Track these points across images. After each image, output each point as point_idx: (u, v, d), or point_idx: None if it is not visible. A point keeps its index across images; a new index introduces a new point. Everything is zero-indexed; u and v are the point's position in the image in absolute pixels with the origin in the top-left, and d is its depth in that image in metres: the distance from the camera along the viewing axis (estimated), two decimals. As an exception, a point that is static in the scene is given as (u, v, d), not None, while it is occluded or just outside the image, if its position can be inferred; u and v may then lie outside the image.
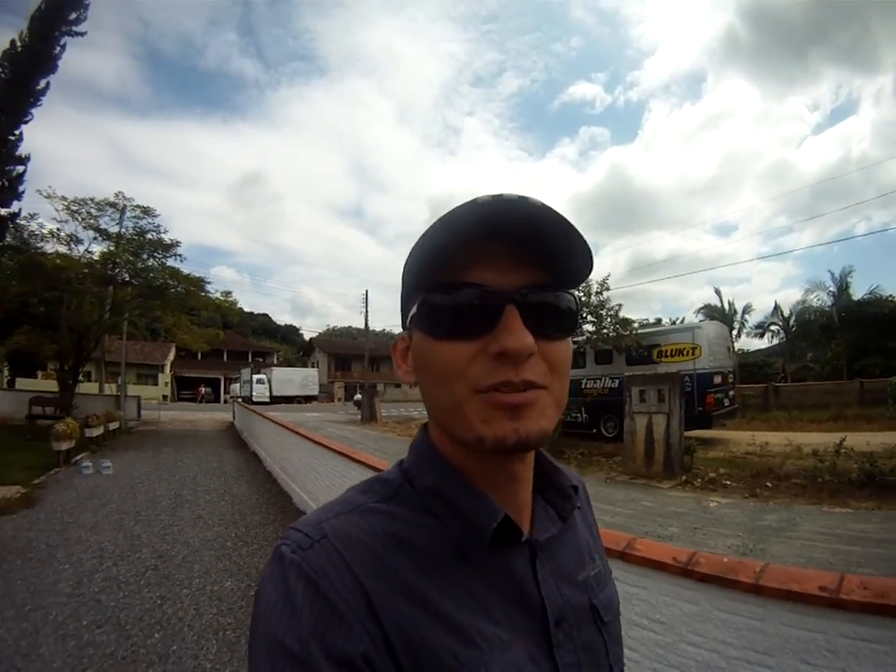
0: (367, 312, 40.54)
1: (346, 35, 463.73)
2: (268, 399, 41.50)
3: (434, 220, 0.57)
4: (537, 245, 0.57)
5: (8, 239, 12.44)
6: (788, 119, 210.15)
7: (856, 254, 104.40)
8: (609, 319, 14.88)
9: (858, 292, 35.39)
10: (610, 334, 14.66)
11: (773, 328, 42.31)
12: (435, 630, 0.53)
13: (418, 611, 0.54)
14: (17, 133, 10.77)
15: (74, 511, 7.99)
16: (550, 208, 0.55)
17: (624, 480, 10.33)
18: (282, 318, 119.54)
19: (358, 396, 32.38)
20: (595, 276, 15.25)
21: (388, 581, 0.54)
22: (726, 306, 41.81)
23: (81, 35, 12.23)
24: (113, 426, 17.75)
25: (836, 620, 1.76)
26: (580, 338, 15.27)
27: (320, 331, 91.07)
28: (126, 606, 4.71)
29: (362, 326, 44.88)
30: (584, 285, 14.62)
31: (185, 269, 22.30)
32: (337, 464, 6.50)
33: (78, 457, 12.63)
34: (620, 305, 15.14)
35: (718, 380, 14.12)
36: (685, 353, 14.18)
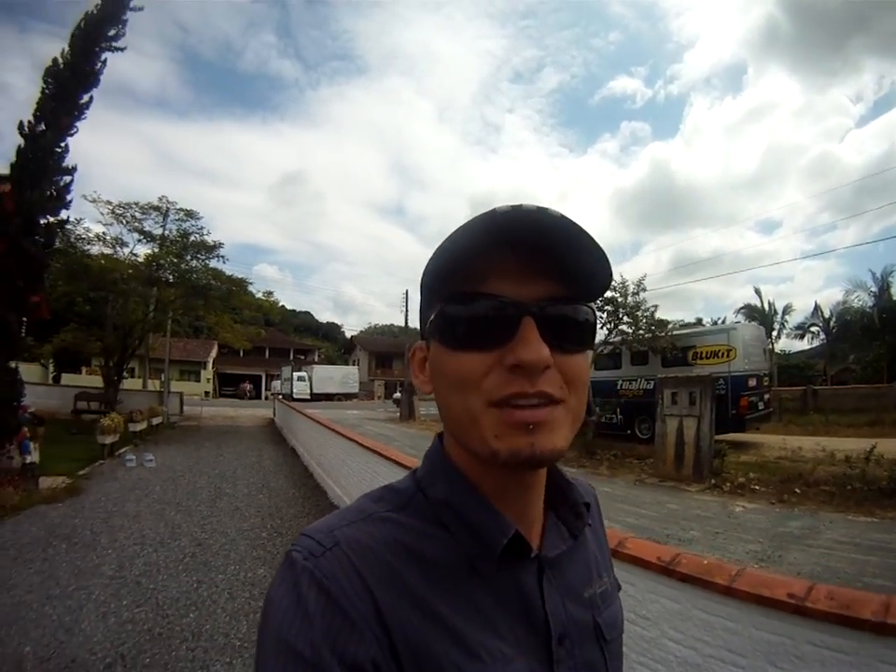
0: (407, 311, 41.05)
1: (384, 34, 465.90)
2: (308, 397, 41.79)
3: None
4: (555, 256, 0.57)
5: (56, 243, 13.00)
6: (830, 112, 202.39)
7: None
8: (644, 320, 14.84)
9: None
10: (646, 335, 14.60)
11: (813, 329, 41.42)
12: (441, 641, 0.54)
13: (426, 622, 0.55)
14: (63, 145, 11.19)
15: (117, 500, 8.40)
16: (568, 219, 0.56)
17: (654, 482, 10.32)
18: (324, 316, 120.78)
19: (398, 394, 32.62)
20: (632, 276, 15.26)
21: (398, 590, 0.55)
22: (766, 306, 41.03)
23: (121, 50, 12.65)
24: (156, 421, 18.45)
25: (804, 626, 1.86)
26: (615, 339, 15.36)
27: (362, 329, 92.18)
28: (164, 588, 5.03)
29: (403, 324, 45.43)
30: (621, 285, 14.71)
31: (228, 269, 23.06)
32: (369, 460, 6.77)
33: (122, 450, 13.17)
34: (656, 306, 15.12)
35: (752, 383, 13.97)
36: (720, 355, 14.05)
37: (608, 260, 0.58)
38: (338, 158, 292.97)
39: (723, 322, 39.72)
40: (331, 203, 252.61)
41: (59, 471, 9.82)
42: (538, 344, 0.55)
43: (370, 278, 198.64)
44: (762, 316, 40.01)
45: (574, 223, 0.55)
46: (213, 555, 5.99)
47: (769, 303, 41.27)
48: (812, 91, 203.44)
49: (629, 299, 14.82)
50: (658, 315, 15.12)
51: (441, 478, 0.66)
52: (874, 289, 36.50)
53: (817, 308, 41.16)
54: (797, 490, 9.02)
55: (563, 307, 0.59)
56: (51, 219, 11.11)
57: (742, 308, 42.54)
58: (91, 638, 4.05)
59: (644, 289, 15.00)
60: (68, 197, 11.36)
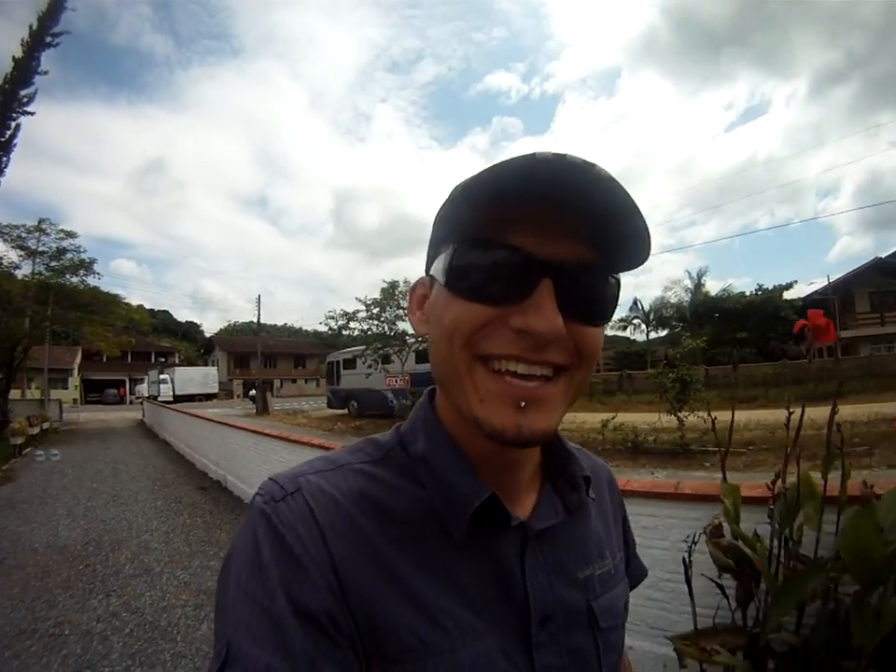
0: (259, 315, 43.15)
1: (265, 14, 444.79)
2: (171, 399, 43.09)
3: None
4: (594, 218, 0.50)
5: None
6: (700, 117, 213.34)
7: (758, 246, 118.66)
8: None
9: (745, 286, 40.91)
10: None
11: (635, 321, 47.20)
12: (397, 603, 0.51)
13: (382, 580, 0.52)
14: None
15: (45, 481, 11.59)
16: (617, 181, 0.49)
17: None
18: (182, 314, 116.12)
19: (254, 391, 35.40)
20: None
21: (354, 542, 0.52)
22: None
23: (31, 114, 14.20)
24: (46, 425, 20.92)
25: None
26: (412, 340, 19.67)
27: (222, 327, 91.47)
28: (103, 514, 8.67)
29: (263, 322, 47.12)
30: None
31: (101, 284, 25.75)
32: (223, 433, 10.37)
33: (28, 450, 15.87)
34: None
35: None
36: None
37: (649, 231, 0.52)
38: (202, 144, 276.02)
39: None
40: (192, 194, 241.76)
41: (-21, 469, 12.46)
42: (552, 313, 0.50)
43: (230, 273, 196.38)
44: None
45: (622, 187, 0.49)
46: (127, 500, 9.61)
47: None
48: (684, 97, 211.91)
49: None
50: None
51: (422, 432, 0.63)
52: (690, 287, 42.94)
53: (636, 302, 47.05)
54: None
55: (590, 274, 0.54)
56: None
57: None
58: (71, 536, 7.57)
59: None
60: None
